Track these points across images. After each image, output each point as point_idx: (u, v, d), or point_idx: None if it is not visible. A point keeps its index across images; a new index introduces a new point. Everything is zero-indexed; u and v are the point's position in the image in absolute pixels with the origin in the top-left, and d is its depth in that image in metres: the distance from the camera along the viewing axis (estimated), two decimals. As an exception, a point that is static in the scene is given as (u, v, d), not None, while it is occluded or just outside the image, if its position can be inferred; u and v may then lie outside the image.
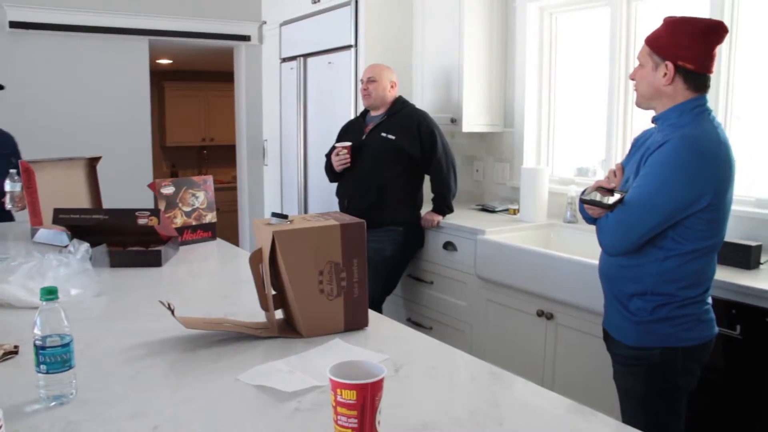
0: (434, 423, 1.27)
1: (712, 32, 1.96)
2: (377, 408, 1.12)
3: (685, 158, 1.89)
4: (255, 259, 1.72)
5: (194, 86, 9.09)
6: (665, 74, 1.97)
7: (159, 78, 8.44)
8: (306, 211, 5.08)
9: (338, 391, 1.10)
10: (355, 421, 1.10)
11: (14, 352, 1.64)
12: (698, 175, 1.88)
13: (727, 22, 2.95)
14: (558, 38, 4.06)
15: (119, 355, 1.65)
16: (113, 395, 1.40)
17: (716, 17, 2.97)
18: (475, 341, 3.53)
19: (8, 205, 3.57)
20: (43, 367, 1.33)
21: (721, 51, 3.00)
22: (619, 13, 3.54)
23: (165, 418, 1.28)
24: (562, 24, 4.03)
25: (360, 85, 3.85)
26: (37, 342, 1.33)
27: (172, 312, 1.68)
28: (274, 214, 1.72)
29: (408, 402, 1.34)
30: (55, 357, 1.33)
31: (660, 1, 3.40)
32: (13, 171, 3.59)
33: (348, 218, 1.75)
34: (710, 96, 2.98)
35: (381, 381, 1.11)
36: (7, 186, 3.56)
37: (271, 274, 1.71)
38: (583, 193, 2.14)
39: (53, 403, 1.34)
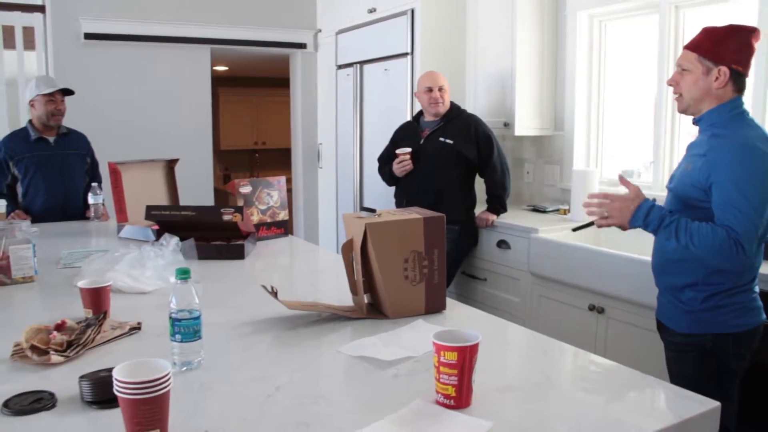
0: (516, 386, 1.48)
1: (755, 37, 2.13)
2: (473, 368, 1.32)
3: (753, 158, 2.01)
4: (347, 249, 1.94)
5: (247, 92, 9.40)
6: (717, 78, 2.10)
7: (214, 84, 8.75)
8: (361, 212, 5.29)
9: (442, 353, 1.30)
10: (456, 378, 1.30)
11: (137, 327, 1.89)
12: (765, 170, 2.02)
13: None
14: (607, 44, 4.21)
15: (228, 332, 1.87)
16: (232, 363, 1.63)
17: (764, 22, 3.13)
18: (529, 334, 3.70)
19: (92, 218, 3.87)
20: (178, 336, 1.56)
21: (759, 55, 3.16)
22: (667, 20, 3.69)
23: (284, 381, 1.50)
24: (611, 31, 4.19)
25: (417, 91, 4.00)
26: (173, 315, 1.56)
27: (275, 295, 1.90)
28: (363, 209, 1.94)
29: (491, 369, 1.54)
30: (188, 328, 1.56)
31: (706, 8, 3.55)
32: (95, 185, 3.90)
33: (429, 212, 1.96)
34: (759, 97, 3.17)
35: (477, 345, 1.32)
36: (91, 199, 3.87)
37: (361, 262, 1.92)
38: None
39: (184, 368, 1.57)
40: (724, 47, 2.12)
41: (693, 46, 2.18)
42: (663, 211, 2.11)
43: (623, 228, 2.19)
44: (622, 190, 2.23)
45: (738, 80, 2.12)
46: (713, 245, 1.99)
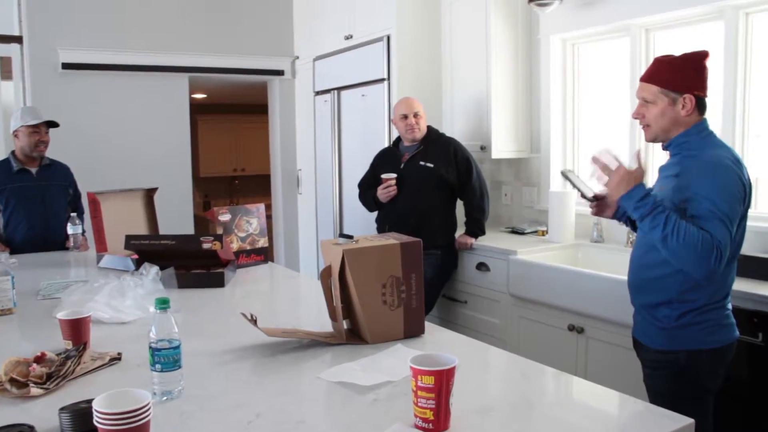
0: (494, 407, 1.50)
1: (708, 59, 2.21)
2: (450, 391, 1.34)
3: (724, 176, 2.07)
4: (325, 275, 1.96)
5: (225, 119, 9.43)
6: (684, 106, 2.17)
7: (192, 111, 8.79)
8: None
9: (419, 377, 1.32)
10: (433, 402, 1.32)
11: (117, 358, 1.89)
12: (737, 187, 2.08)
13: (741, 48, 3.23)
14: (580, 67, 4.29)
15: (208, 360, 1.88)
16: (213, 391, 1.64)
17: (731, 45, 3.25)
18: (510, 356, 3.72)
19: (72, 248, 3.86)
20: (158, 366, 1.57)
21: (737, 74, 3.24)
22: (638, 43, 3.76)
23: (264, 408, 1.51)
24: (583, 54, 4.26)
25: (393, 118, 4.05)
26: (153, 345, 1.57)
27: (255, 322, 1.91)
28: (341, 235, 1.96)
29: (469, 391, 1.56)
30: (168, 357, 1.57)
31: (675, 31, 3.63)
32: (73, 215, 3.90)
33: (406, 238, 1.98)
34: (728, 117, 3.24)
35: (453, 368, 1.34)
36: (70, 229, 3.87)
37: (339, 288, 1.94)
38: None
39: (165, 398, 1.57)
40: (685, 76, 2.19)
41: (653, 79, 2.23)
42: (658, 200, 2.11)
43: (610, 198, 2.27)
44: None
45: (701, 104, 2.19)
46: (696, 244, 1.99)
